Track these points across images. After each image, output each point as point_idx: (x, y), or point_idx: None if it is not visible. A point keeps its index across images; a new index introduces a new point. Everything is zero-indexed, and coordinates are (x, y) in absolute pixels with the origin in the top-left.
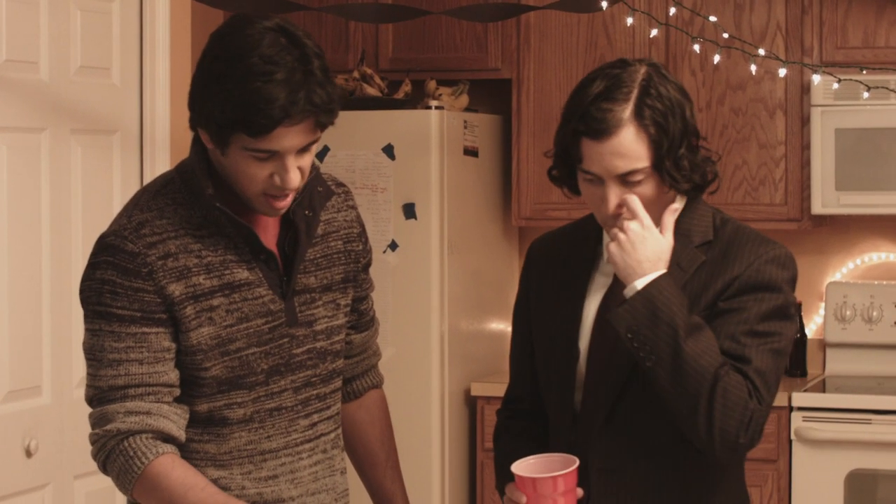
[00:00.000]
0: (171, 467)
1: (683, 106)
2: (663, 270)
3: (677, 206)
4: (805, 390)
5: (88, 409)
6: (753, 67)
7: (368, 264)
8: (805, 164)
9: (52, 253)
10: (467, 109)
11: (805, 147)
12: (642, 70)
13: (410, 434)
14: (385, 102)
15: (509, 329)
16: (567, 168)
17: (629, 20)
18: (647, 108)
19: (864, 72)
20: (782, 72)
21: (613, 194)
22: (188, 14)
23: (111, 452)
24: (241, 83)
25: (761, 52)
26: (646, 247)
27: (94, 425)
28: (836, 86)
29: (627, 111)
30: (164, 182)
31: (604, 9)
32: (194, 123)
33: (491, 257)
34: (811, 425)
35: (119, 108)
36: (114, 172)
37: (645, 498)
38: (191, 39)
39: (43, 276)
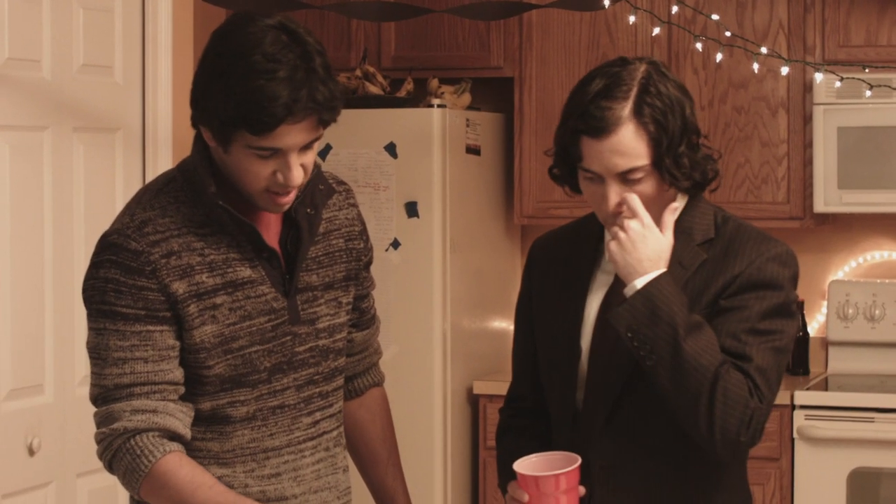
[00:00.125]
0: (178, 465)
1: (683, 104)
2: (663, 269)
3: (677, 204)
4: (807, 389)
5: (91, 407)
6: (756, 66)
7: (369, 262)
8: (807, 163)
9: (54, 251)
10: (469, 108)
11: (807, 145)
12: (642, 68)
13: (413, 432)
14: (387, 101)
15: (511, 327)
16: (568, 167)
17: (631, 18)
18: (646, 106)
19: (867, 70)
20: (784, 70)
21: (614, 192)
22: (190, 12)
23: (118, 451)
24: (243, 81)
25: (764, 50)
26: (646, 245)
27: (99, 424)
28: (838, 84)
29: (627, 109)
30: (166, 180)
31: (606, 7)
32: (196, 121)
33: (493, 256)
34: (814, 424)
35: (121, 106)
36: (116, 170)
37: (647, 496)
38: (193, 38)
39: (45, 274)
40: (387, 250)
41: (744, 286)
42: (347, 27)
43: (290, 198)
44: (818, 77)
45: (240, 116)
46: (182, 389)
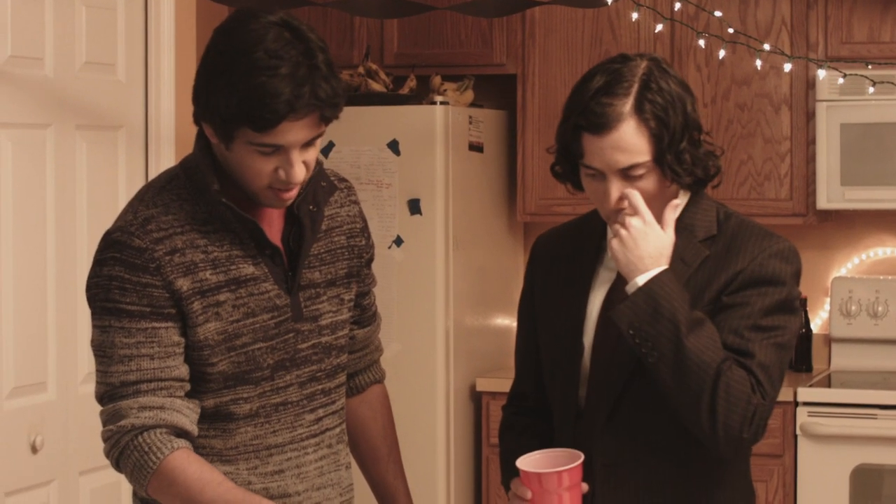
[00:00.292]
0: (187, 463)
1: (684, 100)
2: (665, 266)
3: (678, 201)
4: (810, 385)
5: (94, 404)
6: (759, 62)
7: (371, 259)
8: (810, 160)
9: (57, 249)
10: (472, 105)
11: (810, 142)
12: (643, 64)
13: (416, 430)
14: (390, 98)
15: (514, 324)
16: (569, 164)
17: (634, 15)
18: (647, 102)
19: (870, 67)
20: (787, 67)
21: (615, 189)
22: (193, 10)
23: (125, 448)
24: (245, 78)
25: (766, 47)
26: (647, 243)
27: (106, 422)
28: (841, 81)
29: (628, 105)
30: (168, 178)
31: (609, 4)
32: (198, 118)
33: (496, 253)
34: (817, 420)
35: (124, 103)
36: (119, 168)
37: (650, 493)
38: (196, 35)
39: (48, 271)
40: (389, 247)
41: (746, 282)
42: (350, 24)
43: (292, 194)
44: (821, 74)
45: (242, 113)
46: (188, 386)
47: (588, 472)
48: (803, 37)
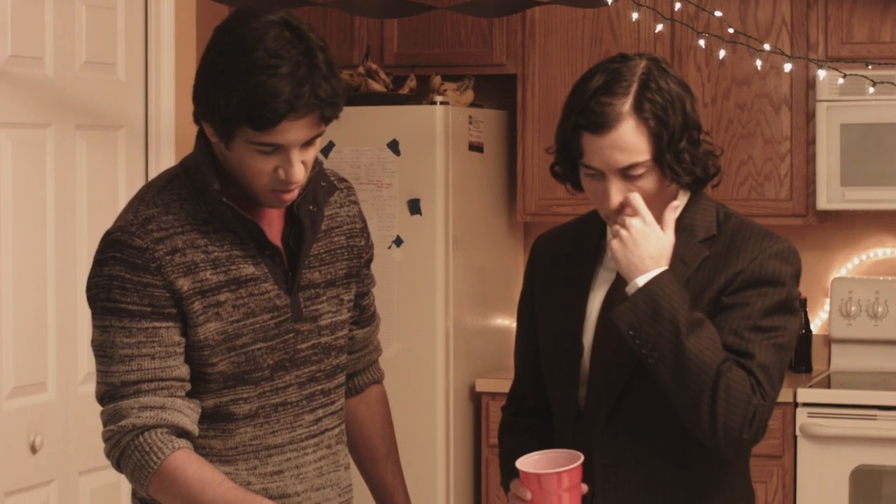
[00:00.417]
0: (187, 462)
1: (684, 99)
2: (665, 267)
3: (678, 202)
4: (810, 386)
5: (94, 404)
6: (759, 63)
7: (370, 260)
8: (810, 160)
9: (57, 249)
10: (472, 105)
11: (810, 142)
12: (642, 64)
13: (415, 430)
14: (390, 98)
15: (514, 325)
16: (569, 164)
17: (634, 15)
18: (646, 101)
19: (870, 67)
20: (788, 67)
21: (615, 188)
22: (193, 9)
23: (126, 448)
24: (246, 77)
25: (767, 47)
26: (648, 243)
27: (106, 422)
28: (841, 81)
29: (627, 105)
30: (168, 178)
31: (609, 4)
32: (198, 117)
33: (496, 253)
34: (816, 421)
35: (124, 103)
36: (119, 168)
37: (649, 494)
38: (196, 35)
39: (48, 271)
40: (389, 248)
41: (746, 283)
42: (350, 24)
43: (292, 195)
44: (821, 74)
45: (242, 112)
46: (188, 386)
47: (588, 472)
48: (803, 37)
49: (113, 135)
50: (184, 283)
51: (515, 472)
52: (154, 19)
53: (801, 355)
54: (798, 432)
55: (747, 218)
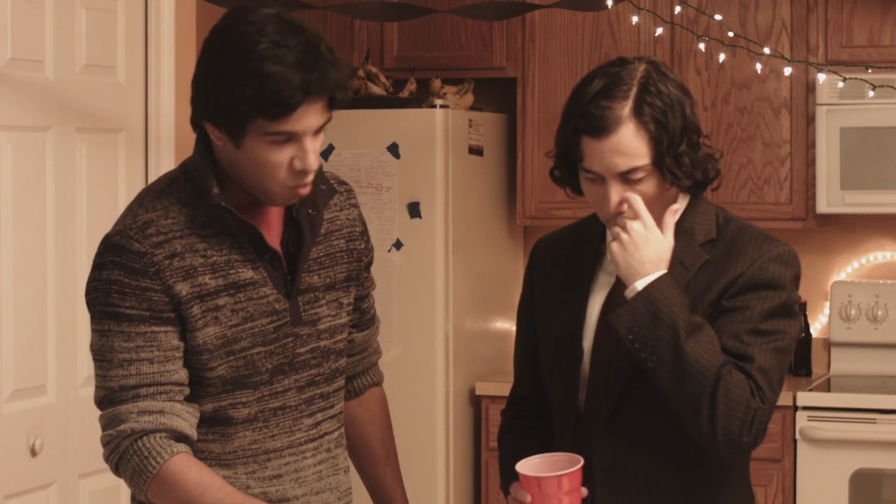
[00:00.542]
0: (187, 467)
1: (683, 103)
2: (664, 271)
3: (677, 206)
4: (810, 390)
5: (94, 407)
6: (759, 66)
7: (370, 263)
8: (810, 163)
9: (57, 251)
10: (472, 108)
11: (810, 146)
12: (641, 68)
13: (415, 433)
14: (390, 101)
15: (514, 328)
16: (569, 168)
17: (634, 19)
18: (646, 105)
19: (870, 70)
20: (787, 70)
21: (615, 192)
22: (193, 12)
23: (125, 453)
24: (255, 69)
25: (766, 50)
26: (648, 247)
27: (105, 427)
28: (841, 85)
29: (627, 109)
30: (168, 181)
31: (609, 7)
32: (202, 120)
33: (496, 256)
34: (816, 425)
35: (124, 106)
36: (119, 171)
37: (649, 497)
38: (196, 38)
39: (48, 274)
40: (389, 251)
41: (745, 286)
42: (350, 27)
43: (307, 188)
44: (821, 77)
45: (256, 104)
46: (187, 390)
47: (588, 476)
48: (803, 40)
49: (113, 138)
50: (182, 288)
51: (515, 476)
52: (154, 22)
53: (800, 359)
54: (798, 436)
55: (747, 221)
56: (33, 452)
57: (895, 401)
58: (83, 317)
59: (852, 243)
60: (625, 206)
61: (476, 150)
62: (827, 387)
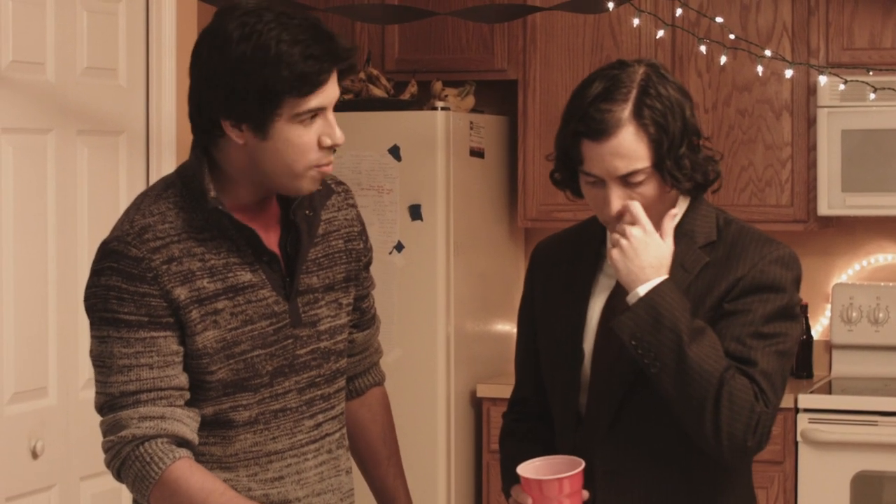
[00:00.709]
0: (189, 472)
1: (683, 105)
2: (665, 276)
3: (676, 210)
4: (811, 392)
5: (94, 409)
6: (760, 68)
7: (369, 263)
8: (811, 166)
9: (58, 254)
10: (473, 110)
11: (811, 148)
12: (641, 70)
13: (416, 435)
14: (391, 103)
15: (515, 330)
16: (569, 171)
17: (635, 21)
18: (646, 107)
19: (871, 73)
20: (788, 73)
21: (615, 195)
22: (194, 15)
23: (126, 459)
24: (276, 51)
25: (767, 53)
26: (648, 252)
27: (106, 433)
28: (842, 87)
29: (626, 111)
30: (164, 186)
31: (610, 10)
32: (216, 119)
33: (497, 259)
34: (817, 427)
35: (125, 108)
36: (120, 173)
37: (651, 501)
38: None
39: (49, 277)
40: (390, 253)
41: (747, 289)
42: (351, 30)
43: (330, 167)
44: (822, 80)
45: (284, 83)
46: (187, 395)
47: (590, 479)
48: (804, 43)
49: (114, 140)
50: (181, 292)
51: (516, 478)
52: (155, 25)
53: (802, 361)
54: (799, 438)
55: (747, 224)
56: (34, 455)
57: None
58: (84, 319)
59: (853, 245)
60: (625, 211)
61: (477, 153)
62: (828, 389)
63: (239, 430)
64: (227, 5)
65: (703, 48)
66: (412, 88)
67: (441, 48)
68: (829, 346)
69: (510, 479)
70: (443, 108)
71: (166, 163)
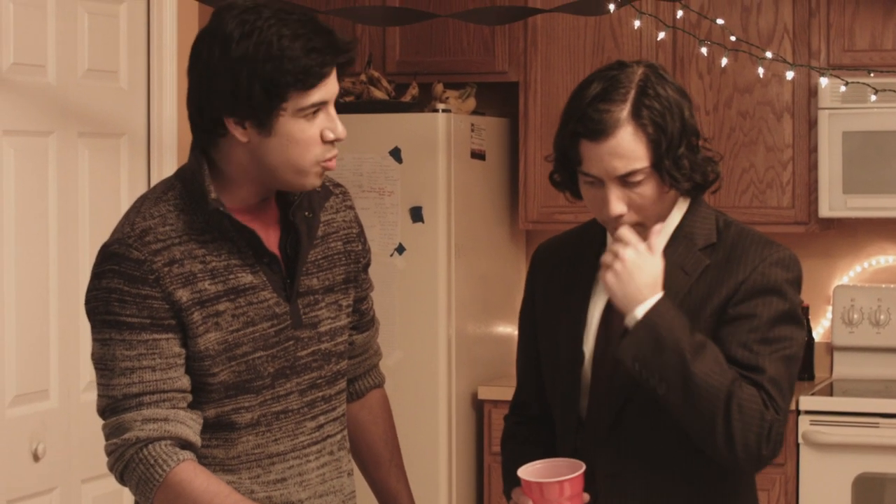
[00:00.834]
0: (193, 475)
1: (682, 106)
2: (660, 294)
3: (660, 227)
4: (812, 394)
5: (95, 412)
6: (761, 70)
7: (368, 264)
8: (812, 167)
9: (59, 256)
10: (474, 112)
11: (812, 150)
12: (640, 71)
13: (418, 438)
14: (392, 105)
15: (516, 333)
16: (568, 172)
17: (636, 23)
18: (644, 108)
19: (872, 74)
20: (790, 75)
21: (614, 196)
22: (195, 17)
23: (130, 461)
24: (279, 46)
25: (768, 54)
26: (643, 273)
27: (109, 436)
28: (843, 89)
29: (625, 111)
30: (164, 189)
31: (611, 12)
32: (219, 116)
33: (498, 261)
34: (818, 429)
35: (126, 111)
36: (121, 176)
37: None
38: None
39: (50, 279)
40: (392, 255)
41: (749, 293)
42: (352, 32)
43: (334, 163)
44: (823, 81)
45: (289, 75)
46: (190, 397)
47: (591, 482)
48: (805, 44)
49: (115, 142)
50: (183, 294)
51: (517, 481)
52: (156, 27)
53: (803, 363)
54: (800, 440)
55: (747, 226)
56: (36, 457)
57: None
58: (85, 321)
59: (854, 247)
60: (624, 213)
61: (478, 155)
62: (829, 391)
63: (241, 432)
64: (224, 4)
65: (704, 50)
66: (413, 90)
67: (442, 50)
68: (831, 348)
69: (511, 481)
70: (444, 111)
71: (167, 165)
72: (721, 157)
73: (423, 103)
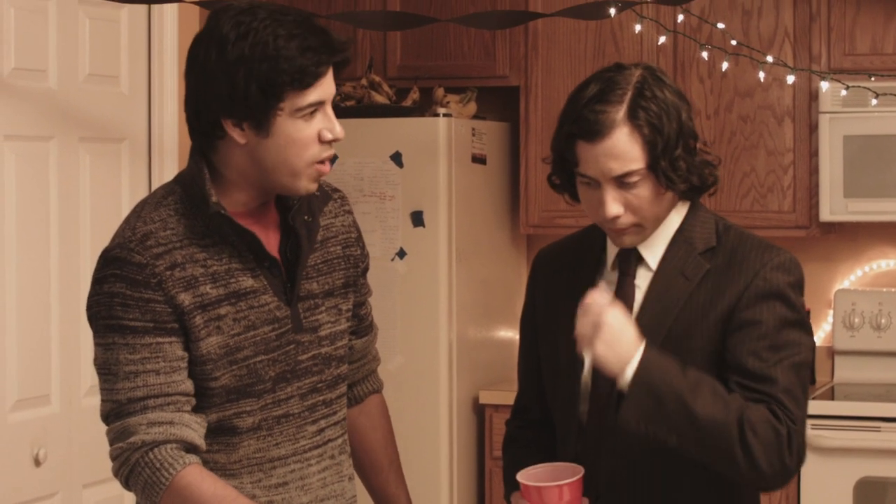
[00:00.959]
0: (200, 478)
1: (679, 108)
2: (643, 344)
3: (603, 285)
4: (814, 398)
5: (98, 417)
6: (762, 74)
7: (366, 269)
8: (813, 172)
9: (60, 261)
10: (475, 117)
11: (813, 154)
12: (637, 73)
13: (418, 442)
14: (393, 110)
15: (517, 337)
16: (566, 174)
17: (637, 27)
18: (641, 109)
19: (873, 78)
20: (790, 79)
21: (610, 197)
22: (196, 22)
23: (135, 465)
24: (274, 46)
25: (769, 59)
26: (624, 331)
27: (114, 440)
28: (844, 93)
29: (621, 112)
30: (164, 193)
31: (612, 16)
32: (216, 118)
33: (499, 265)
34: (820, 433)
35: (127, 116)
36: (122, 180)
37: None
38: None
39: (51, 284)
40: (392, 260)
41: (752, 299)
42: (353, 36)
43: (328, 165)
44: (824, 85)
45: (285, 75)
46: (194, 401)
47: (592, 487)
48: (806, 49)
49: (116, 147)
50: (185, 298)
51: (518, 485)
52: (157, 32)
53: None
54: None
55: (747, 230)
56: (37, 462)
57: None
58: (87, 326)
59: (855, 251)
60: (620, 215)
61: (479, 159)
62: (831, 395)
63: (242, 436)
64: (220, 6)
65: (704, 54)
66: (414, 95)
67: (443, 55)
68: (832, 353)
69: (512, 485)
70: (445, 115)
71: (168, 170)
72: (720, 161)
73: (424, 108)
